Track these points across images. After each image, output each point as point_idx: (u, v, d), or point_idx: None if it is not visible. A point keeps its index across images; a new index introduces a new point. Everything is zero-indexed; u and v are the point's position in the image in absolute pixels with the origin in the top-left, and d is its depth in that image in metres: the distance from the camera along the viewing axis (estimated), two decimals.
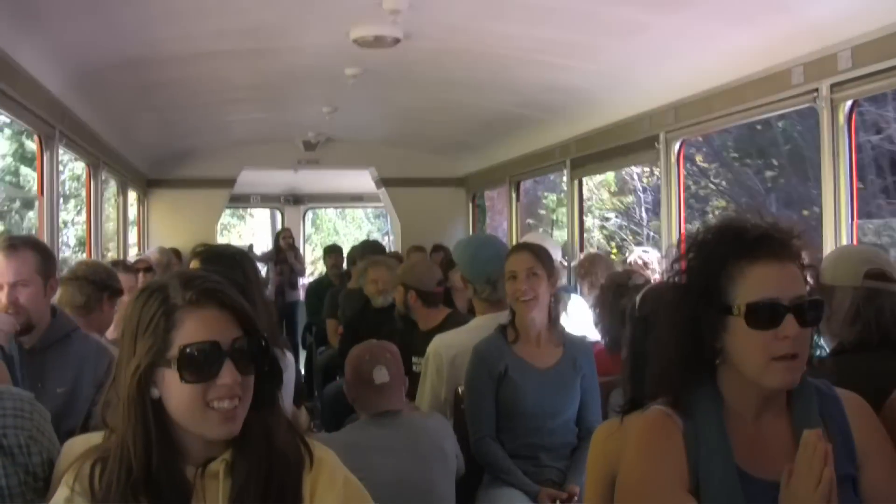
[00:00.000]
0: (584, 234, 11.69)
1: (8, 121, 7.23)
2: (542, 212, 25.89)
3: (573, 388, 5.36)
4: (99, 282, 5.52)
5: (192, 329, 2.41)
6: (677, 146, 8.43)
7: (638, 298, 3.77)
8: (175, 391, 2.41)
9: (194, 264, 4.62)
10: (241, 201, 18.78)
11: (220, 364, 2.39)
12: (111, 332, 5.65)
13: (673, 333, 2.72)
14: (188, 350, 2.39)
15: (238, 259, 4.57)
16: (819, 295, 2.70)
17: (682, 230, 8.51)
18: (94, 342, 4.59)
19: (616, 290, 5.83)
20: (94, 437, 2.62)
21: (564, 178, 11.50)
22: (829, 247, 5.92)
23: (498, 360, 5.32)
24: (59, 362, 4.48)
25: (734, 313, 2.61)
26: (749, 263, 2.62)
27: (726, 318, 2.63)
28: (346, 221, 34.93)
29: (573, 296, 8.19)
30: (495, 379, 5.30)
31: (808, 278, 2.69)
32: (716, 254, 2.68)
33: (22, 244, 4.64)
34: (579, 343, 5.57)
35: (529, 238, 8.01)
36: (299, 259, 16.70)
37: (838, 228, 6.10)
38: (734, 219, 2.77)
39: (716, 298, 2.65)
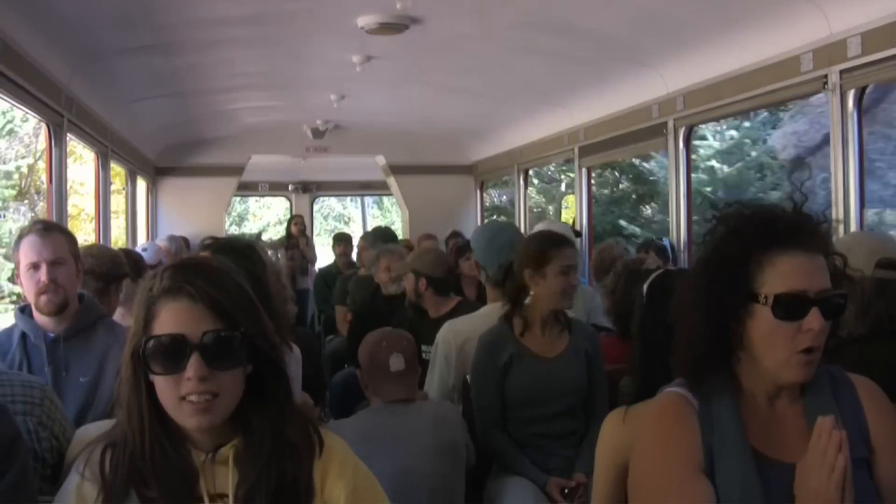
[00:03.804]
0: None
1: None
2: None
3: (580, 375, 5.33)
4: (107, 273, 5.53)
5: (163, 320, 2.42)
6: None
7: (646, 286, 3.76)
8: (155, 379, 2.43)
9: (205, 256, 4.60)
10: (249, 189, 18.78)
11: (187, 357, 2.37)
12: (116, 314, 5.64)
13: (696, 316, 2.70)
14: (153, 342, 2.40)
15: (247, 251, 4.57)
16: (844, 285, 2.69)
17: (690, 216, 8.53)
18: (121, 330, 4.60)
19: (629, 276, 5.81)
20: (107, 424, 2.63)
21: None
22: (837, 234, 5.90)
23: (503, 350, 5.29)
24: (84, 351, 4.52)
25: (760, 302, 2.60)
26: (779, 253, 2.60)
27: (751, 305, 2.62)
28: None
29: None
30: (501, 369, 5.28)
31: (837, 265, 2.69)
32: (745, 239, 2.66)
33: (54, 227, 4.76)
34: (585, 329, 5.54)
35: (544, 226, 7.93)
36: (310, 246, 16.69)
37: (847, 215, 6.10)
38: (765, 206, 2.75)
39: (742, 285, 2.64)
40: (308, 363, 5.39)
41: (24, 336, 4.51)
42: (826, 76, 6.17)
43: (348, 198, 36.20)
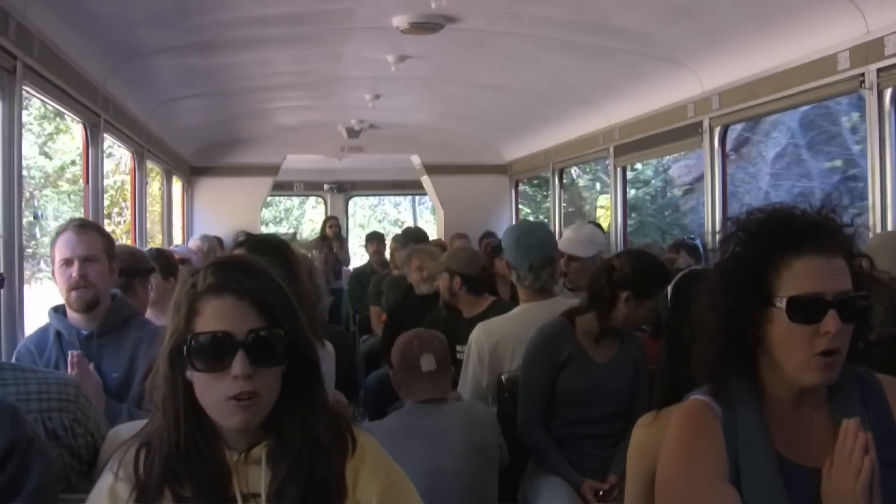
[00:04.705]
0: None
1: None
2: None
3: (625, 382, 5.34)
4: (127, 269, 5.57)
5: (207, 317, 2.42)
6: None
7: (671, 287, 3.74)
8: (194, 377, 2.43)
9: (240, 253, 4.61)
10: (284, 189, 18.83)
11: (232, 355, 2.37)
12: (148, 313, 5.68)
13: (715, 320, 2.69)
14: (198, 339, 2.40)
15: (281, 248, 4.58)
16: (869, 286, 2.66)
17: (725, 216, 8.47)
18: (153, 328, 4.66)
19: None
20: (140, 424, 2.64)
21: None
22: (874, 233, 5.85)
23: (563, 347, 5.29)
24: (115, 347, 4.59)
25: (776, 305, 2.58)
26: (795, 256, 2.58)
27: (768, 308, 2.60)
28: None
29: None
30: (558, 365, 5.29)
31: (863, 266, 2.66)
32: (761, 243, 2.64)
33: (89, 225, 4.85)
34: (635, 339, 5.53)
35: (570, 237, 7.88)
36: (344, 248, 16.72)
37: (885, 214, 6.05)
38: (783, 208, 2.72)
39: (759, 288, 2.62)
40: (341, 361, 5.40)
41: (59, 334, 4.60)
42: (863, 75, 6.12)
43: (403, 202, 36.37)
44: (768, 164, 22.90)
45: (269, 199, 31.74)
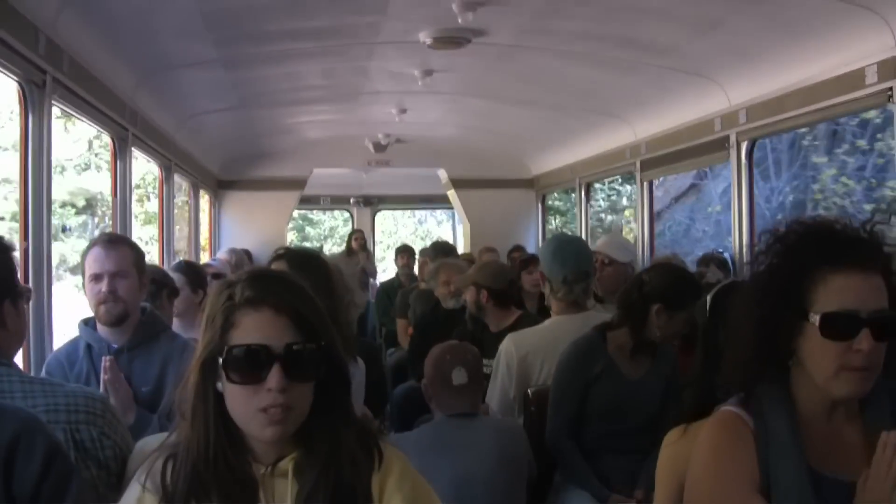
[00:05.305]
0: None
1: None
2: None
3: (656, 397, 5.31)
4: (158, 280, 5.61)
5: (245, 330, 2.42)
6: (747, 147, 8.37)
7: (709, 298, 3.73)
8: (228, 388, 2.44)
9: (278, 266, 4.62)
10: (311, 202, 18.85)
11: (269, 368, 2.38)
12: (174, 325, 5.70)
13: (748, 330, 2.69)
14: (234, 351, 2.41)
15: (319, 263, 4.60)
16: None
17: (753, 229, 8.44)
18: (182, 341, 4.69)
19: None
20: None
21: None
22: None
23: (596, 360, 5.28)
24: (145, 361, 4.60)
25: (810, 320, 2.57)
26: (831, 271, 2.57)
27: (802, 322, 2.60)
28: None
29: None
30: (590, 379, 5.27)
31: None
32: (799, 256, 2.63)
33: (119, 240, 4.87)
34: (667, 354, 5.50)
35: (606, 240, 7.88)
36: (371, 260, 16.71)
37: None
38: (823, 222, 2.71)
39: (794, 301, 2.61)
40: (370, 375, 5.41)
41: (89, 347, 4.62)
42: (891, 89, 6.08)
43: (445, 220, 36.46)
44: (718, 197, 25.74)
45: (314, 217, 31.80)
